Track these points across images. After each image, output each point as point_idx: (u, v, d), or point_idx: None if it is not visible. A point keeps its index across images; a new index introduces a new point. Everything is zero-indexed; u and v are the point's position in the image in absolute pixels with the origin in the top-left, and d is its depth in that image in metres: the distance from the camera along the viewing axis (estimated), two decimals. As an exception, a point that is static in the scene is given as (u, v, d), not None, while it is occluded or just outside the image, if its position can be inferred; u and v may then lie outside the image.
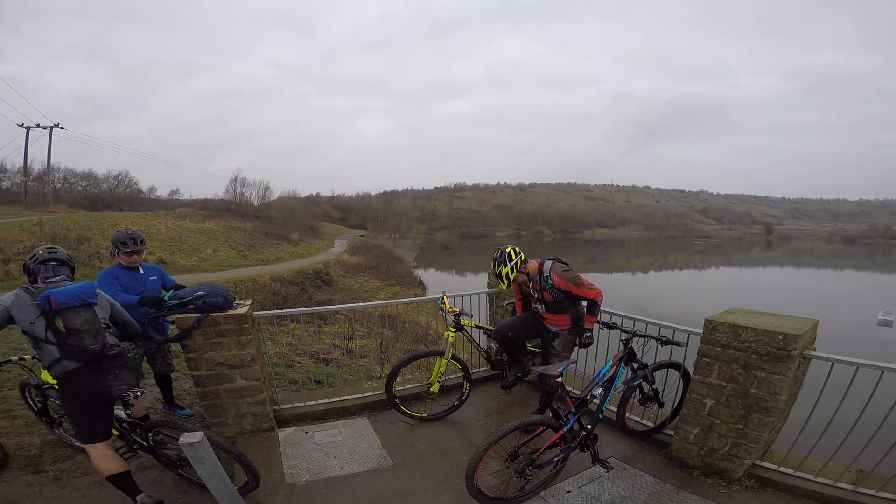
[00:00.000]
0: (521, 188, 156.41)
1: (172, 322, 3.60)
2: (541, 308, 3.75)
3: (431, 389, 4.07)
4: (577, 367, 4.16)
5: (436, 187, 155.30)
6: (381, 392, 4.19)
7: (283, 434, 3.81)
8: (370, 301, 7.93)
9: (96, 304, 2.56)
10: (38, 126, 33.15)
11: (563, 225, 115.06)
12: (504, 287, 3.63)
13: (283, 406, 4.11)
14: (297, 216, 51.63)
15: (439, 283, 30.16)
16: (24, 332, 2.48)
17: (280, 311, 4.26)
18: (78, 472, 3.20)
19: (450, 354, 3.97)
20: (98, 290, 2.66)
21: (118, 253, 3.61)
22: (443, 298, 4.17)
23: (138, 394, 2.66)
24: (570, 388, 2.97)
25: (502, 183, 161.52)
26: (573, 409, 2.90)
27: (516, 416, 3.80)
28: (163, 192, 56.15)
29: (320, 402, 4.22)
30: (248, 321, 3.60)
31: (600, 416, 3.11)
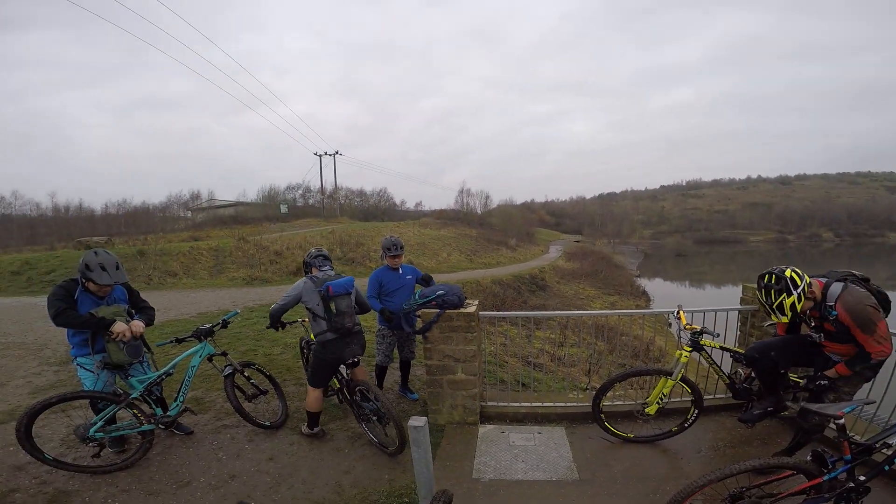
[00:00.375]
0: (784, 181, 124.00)
1: (419, 316, 4.24)
2: (818, 337, 3.04)
3: (647, 410, 3.74)
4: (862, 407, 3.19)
5: (662, 186, 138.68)
6: (586, 404, 4.12)
7: (483, 430, 4.02)
8: (584, 309, 7.75)
9: (352, 293, 3.71)
10: (325, 154, 43.93)
11: (854, 226, 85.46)
12: (785, 320, 2.91)
13: (488, 403, 4.33)
14: (514, 222, 54.23)
15: (668, 294, 26.98)
16: (307, 308, 3.67)
17: (500, 312, 4.50)
18: (334, 438, 3.94)
19: (679, 376, 3.58)
20: (353, 282, 3.80)
21: (385, 256, 4.49)
22: (678, 313, 3.71)
23: (357, 360, 3.76)
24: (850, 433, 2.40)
25: (755, 176, 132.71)
26: (848, 457, 2.31)
27: (754, 455, 3.29)
28: (410, 204, 67.66)
29: (523, 404, 4.30)
30: (475, 319, 3.99)
31: (887, 468, 2.35)
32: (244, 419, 3.98)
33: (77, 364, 3.45)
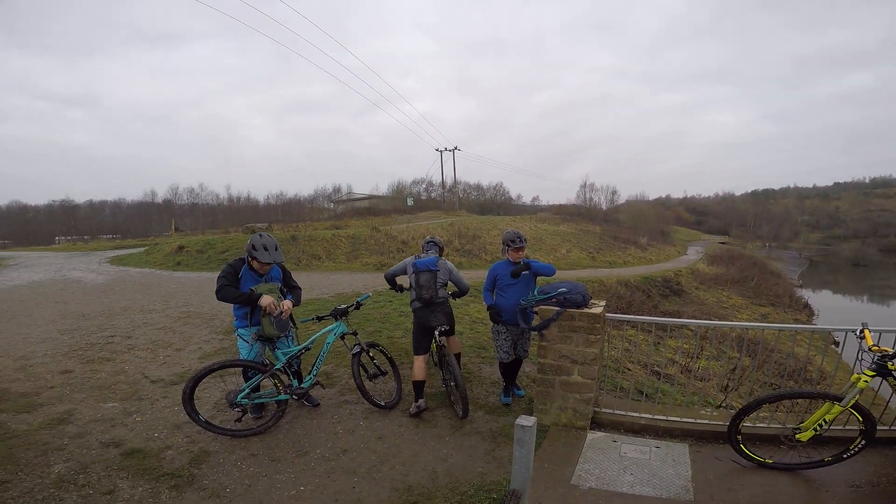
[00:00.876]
0: None
1: (536, 312, 4.12)
2: None
3: (798, 436, 3.23)
4: None
5: (836, 183, 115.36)
6: (719, 423, 3.70)
7: (592, 437, 3.84)
8: (727, 320, 6.91)
9: (437, 271, 4.41)
10: (445, 150, 45.18)
11: None
12: None
13: (603, 409, 4.12)
14: (645, 220, 49.97)
15: (838, 309, 22.60)
16: (409, 281, 4.48)
17: (629, 316, 4.21)
18: (437, 425, 4.06)
19: (852, 402, 3.05)
20: (440, 261, 4.50)
21: (507, 250, 4.41)
22: (862, 332, 3.19)
23: (444, 328, 4.31)
24: None
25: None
26: None
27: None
28: (527, 198, 66.77)
29: (643, 415, 4.03)
30: (600, 321, 3.79)
31: None
32: (363, 397, 4.29)
33: (237, 335, 4.04)
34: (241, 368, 4.07)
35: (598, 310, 3.83)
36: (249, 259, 3.90)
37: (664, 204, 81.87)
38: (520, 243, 4.39)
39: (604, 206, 58.27)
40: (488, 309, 4.52)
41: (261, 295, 3.79)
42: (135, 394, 4.67)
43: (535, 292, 4.13)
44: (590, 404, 3.91)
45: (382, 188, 58.94)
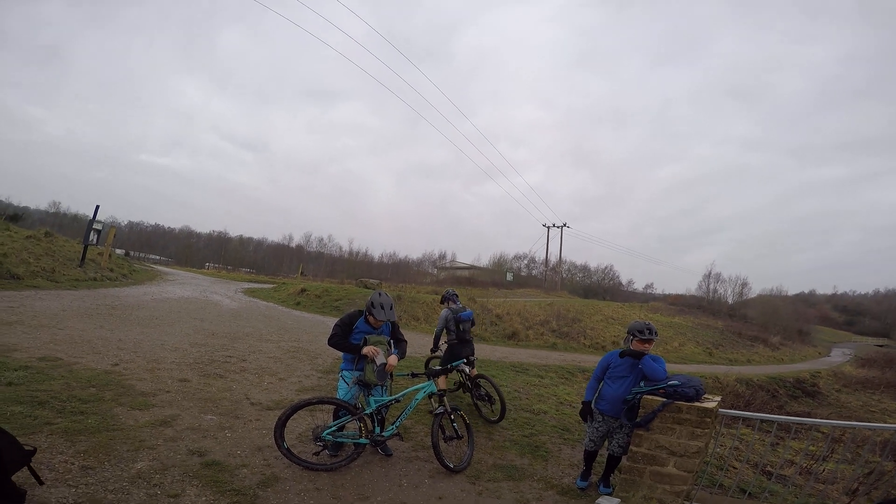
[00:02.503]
0: None
1: (642, 407, 3.94)
2: None
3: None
4: None
5: None
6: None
7: None
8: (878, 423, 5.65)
9: (471, 320, 6.22)
10: (553, 225, 44.64)
11: None
12: None
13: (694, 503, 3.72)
14: (780, 316, 43.36)
15: None
16: (446, 326, 6.17)
17: (748, 412, 4.00)
18: (501, 497, 3.93)
19: None
20: (472, 314, 6.36)
21: (632, 340, 4.20)
22: None
23: (473, 359, 6.03)
24: None
25: None
26: None
27: None
28: (639, 285, 61.95)
29: None
30: (711, 416, 3.63)
31: None
32: (436, 456, 4.25)
33: (340, 375, 4.43)
34: (334, 407, 4.32)
35: (711, 404, 3.66)
36: (367, 314, 4.32)
37: (806, 300, 69.60)
38: (648, 335, 4.18)
39: (730, 300, 51.56)
40: (582, 404, 4.43)
41: (366, 344, 4.17)
42: (233, 411, 5.07)
43: (642, 384, 4.00)
44: (680, 497, 3.59)
45: (484, 259, 59.89)
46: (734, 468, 5.47)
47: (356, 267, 54.01)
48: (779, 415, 6.41)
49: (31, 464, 2.58)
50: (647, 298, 51.48)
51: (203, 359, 7.15)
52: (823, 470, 6.20)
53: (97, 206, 16.59)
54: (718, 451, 5.46)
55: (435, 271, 60.74)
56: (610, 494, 4.23)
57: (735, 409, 9.17)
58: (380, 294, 4.33)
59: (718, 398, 4.04)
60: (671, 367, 16.24)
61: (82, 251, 15.86)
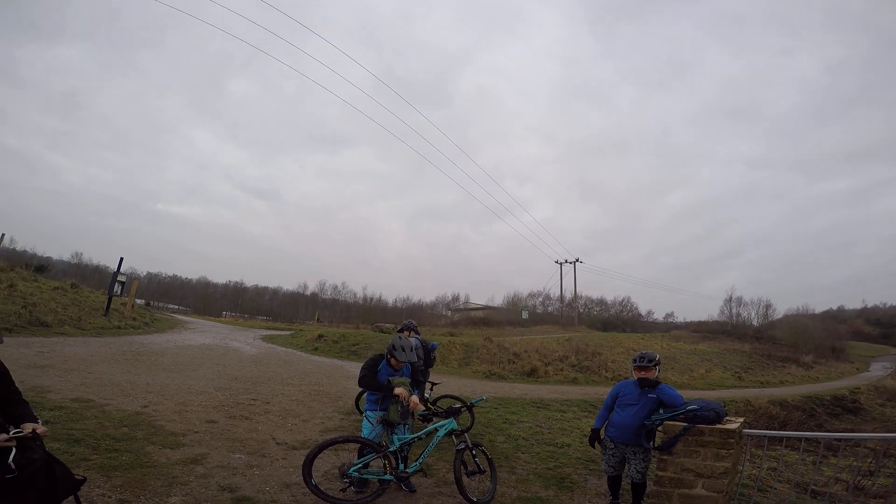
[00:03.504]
0: None
1: (661, 430, 4.04)
2: None
3: None
4: None
5: None
6: None
7: None
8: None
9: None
10: (566, 262, 44.01)
11: None
12: None
13: None
14: (810, 335, 41.66)
15: None
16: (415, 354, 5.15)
17: (776, 432, 4.03)
18: None
19: None
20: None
21: (632, 368, 4.50)
22: None
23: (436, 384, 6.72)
24: None
25: None
26: None
27: None
28: (659, 314, 60.05)
29: None
30: (735, 437, 3.67)
31: None
32: (459, 490, 4.25)
33: (365, 415, 4.58)
34: (359, 445, 4.44)
35: (733, 425, 3.72)
36: (389, 356, 4.60)
37: (836, 317, 66.37)
38: (642, 362, 4.41)
39: (755, 322, 49.78)
40: (591, 431, 4.61)
41: (395, 387, 4.36)
42: (260, 451, 5.12)
43: (661, 412, 4.08)
44: None
45: (498, 299, 59.26)
46: (773, 488, 5.33)
47: (371, 312, 54.01)
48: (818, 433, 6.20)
49: (78, 493, 2.68)
50: (668, 327, 50.12)
51: (228, 401, 7.23)
52: (874, 485, 5.93)
53: (121, 259, 17.28)
54: (754, 473, 5.32)
55: (449, 313, 60.33)
56: None
57: (770, 430, 8.90)
58: (400, 338, 4.63)
59: (741, 420, 4.09)
60: (697, 394, 15.81)
61: (107, 301, 16.33)
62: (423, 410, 4.93)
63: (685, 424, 3.83)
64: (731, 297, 51.89)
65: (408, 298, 62.99)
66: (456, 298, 64.10)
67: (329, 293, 64.28)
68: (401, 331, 7.09)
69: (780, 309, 53.74)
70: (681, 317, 57.68)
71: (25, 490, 1.99)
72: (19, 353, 8.64)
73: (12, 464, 1.94)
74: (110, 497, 3.50)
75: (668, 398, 4.16)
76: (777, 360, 29.13)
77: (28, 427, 2.13)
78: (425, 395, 6.75)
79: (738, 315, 50.25)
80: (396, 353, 4.53)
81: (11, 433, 2.03)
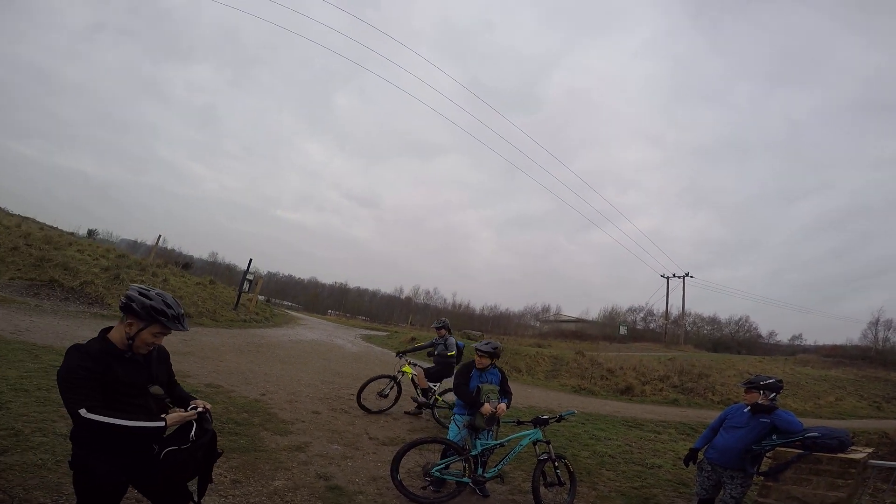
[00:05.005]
0: None
1: (770, 456, 3.84)
2: None
3: None
4: None
5: None
6: None
7: None
8: None
9: None
10: (673, 276, 40.68)
11: None
12: None
13: None
14: None
15: None
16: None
17: None
18: None
19: None
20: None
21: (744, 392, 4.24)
22: None
23: None
24: None
25: None
26: None
27: None
28: (783, 336, 52.15)
29: None
30: (857, 467, 3.41)
31: None
32: (535, 500, 4.29)
33: (453, 419, 4.87)
34: (443, 447, 4.71)
35: (859, 455, 3.42)
36: (475, 358, 4.89)
37: None
38: (747, 384, 4.14)
39: None
40: (690, 450, 4.38)
41: (483, 403, 4.57)
42: (355, 443, 5.65)
43: (775, 437, 3.78)
44: None
45: (593, 313, 56.35)
46: None
47: (459, 318, 54.91)
48: None
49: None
50: (794, 350, 43.37)
51: (331, 395, 8.00)
52: None
53: (250, 259, 19.76)
54: None
55: (537, 324, 58.94)
56: None
57: None
58: (486, 343, 4.95)
59: (870, 450, 3.78)
60: (822, 422, 13.66)
61: (237, 297, 18.84)
62: (511, 420, 5.09)
63: (800, 452, 3.58)
64: (878, 320, 43.22)
65: (495, 307, 62.88)
66: (546, 309, 62.33)
67: (422, 298, 66.65)
68: (438, 329, 7.93)
69: None
70: (810, 339, 49.49)
71: (196, 457, 2.39)
72: (167, 340, 10.43)
73: (193, 436, 2.35)
74: (226, 477, 4.10)
75: (784, 423, 3.82)
76: None
77: (199, 403, 2.51)
78: (435, 387, 7.52)
79: (887, 340, 41.80)
80: (480, 345, 4.89)
81: (190, 408, 2.43)
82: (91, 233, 27.68)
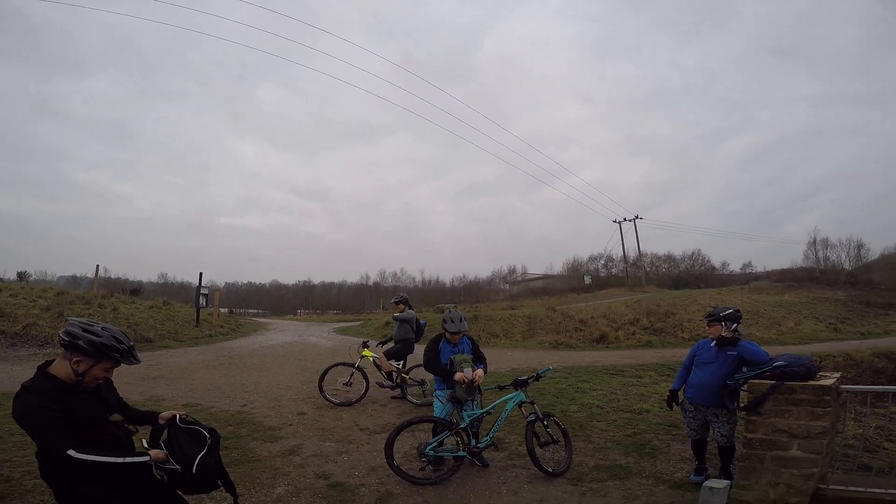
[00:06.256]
0: None
1: (746, 389, 3.82)
2: None
3: None
4: None
5: None
6: None
7: None
8: None
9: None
10: (625, 220, 41.98)
11: None
12: None
13: (831, 486, 3.48)
14: None
15: None
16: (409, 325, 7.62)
17: (881, 387, 3.87)
18: (607, 495, 3.92)
19: None
20: None
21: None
22: None
23: None
24: None
25: None
26: None
27: None
28: (735, 265, 55.59)
29: (890, 491, 3.41)
30: (830, 394, 3.47)
31: None
32: (532, 462, 4.37)
33: (435, 395, 4.80)
34: (432, 424, 4.70)
35: (828, 381, 3.48)
36: (444, 332, 4.77)
37: None
38: (708, 318, 4.26)
39: (847, 266, 44.99)
40: (669, 392, 4.52)
41: (455, 371, 4.51)
42: (347, 437, 5.57)
43: (745, 369, 3.90)
44: (811, 479, 3.39)
45: (556, 266, 57.74)
46: (885, 448, 4.93)
47: (430, 294, 55.13)
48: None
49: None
50: (747, 279, 46.38)
51: (313, 394, 7.81)
52: None
53: (200, 273, 18.77)
54: (860, 433, 4.91)
55: (507, 286, 60.16)
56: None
57: (875, 385, 8.10)
58: (450, 311, 4.89)
59: (837, 375, 3.83)
60: (787, 349, 14.76)
61: (196, 313, 17.99)
62: (491, 385, 5.07)
63: (773, 382, 3.61)
64: (815, 240, 46.73)
65: (464, 276, 63.48)
66: (512, 271, 63.58)
67: (390, 281, 66.27)
68: (396, 304, 7.95)
69: (875, 248, 47.68)
70: (760, 266, 53.11)
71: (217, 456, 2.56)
72: (133, 368, 9.77)
73: (207, 434, 2.53)
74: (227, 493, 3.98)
75: (751, 355, 3.97)
76: (878, 307, 26.10)
77: (167, 414, 2.54)
78: (399, 365, 7.52)
79: (827, 259, 45.42)
80: (447, 325, 4.70)
81: (162, 421, 2.53)
82: (22, 275, 25.40)
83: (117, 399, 2.61)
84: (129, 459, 2.22)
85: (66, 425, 2.14)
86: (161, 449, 2.38)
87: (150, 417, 2.60)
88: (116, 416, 2.46)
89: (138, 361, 2.43)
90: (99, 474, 2.19)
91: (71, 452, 2.08)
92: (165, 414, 2.55)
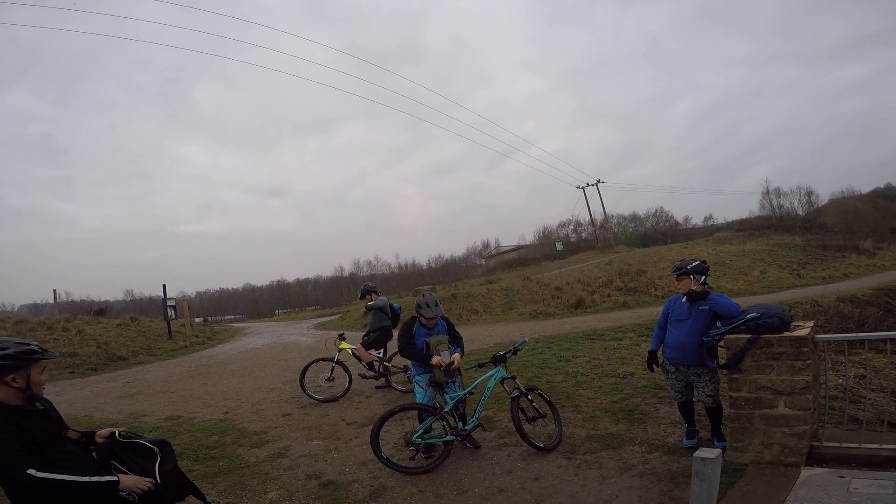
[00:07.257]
0: None
1: (723, 345, 3.77)
2: None
3: None
4: None
5: None
6: None
7: (808, 473, 3.30)
8: None
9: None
10: (588, 185, 43.00)
11: None
12: None
13: (825, 443, 3.49)
14: (863, 218, 39.43)
15: None
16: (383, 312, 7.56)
17: (855, 335, 3.68)
18: (602, 467, 4.00)
19: None
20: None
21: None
22: None
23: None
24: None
25: None
26: None
27: None
28: (697, 219, 57.82)
29: (884, 447, 3.32)
30: (808, 345, 3.38)
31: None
32: (522, 439, 4.36)
33: (415, 381, 4.70)
34: (417, 412, 4.61)
35: (803, 332, 3.38)
36: (418, 316, 4.59)
37: (885, 195, 62.66)
38: (674, 273, 4.19)
39: (800, 212, 47.51)
40: (648, 353, 4.46)
41: (432, 355, 4.40)
42: (334, 434, 5.51)
43: (719, 324, 3.80)
44: (804, 438, 3.37)
45: (528, 237, 58.42)
46: (868, 399, 4.94)
47: (408, 279, 54.98)
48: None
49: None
50: (710, 231, 48.35)
51: (296, 393, 7.69)
52: None
53: (164, 285, 18.08)
54: (840, 383, 4.94)
55: (483, 261, 60.57)
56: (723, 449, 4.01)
57: (844, 332, 8.36)
58: (423, 295, 4.62)
59: (811, 323, 3.72)
60: (757, 300, 15.27)
61: (167, 326, 17.41)
62: (471, 365, 5.02)
63: (748, 336, 3.51)
64: (768, 189, 49.30)
65: (440, 257, 63.53)
66: (486, 245, 63.97)
67: (365, 269, 65.62)
68: (362, 296, 7.99)
69: (824, 194, 50.65)
70: (720, 217, 55.38)
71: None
72: (109, 387, 9.47)
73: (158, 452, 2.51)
74: (218, 502, 3.91)
75: (722, 308, 3.86)
76: (834, 249, 27.37)
77: (106, 431, 2.50)
78: (378, 354, 7.47)
79: (781, 206, 47.83)
80: (422, 310, 4.51)
81: (100, 439, 2.47)
82: (-22, 308, 23.93)
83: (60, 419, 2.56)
84: (95, 479, 2.18)
85: (21, 447, 2.10)
86: (111, 471, 2.34)
87: (87, 436, 2.54)
88: (73, 433, 2.43)
89: (56, 355, 2.45)
90: (65, 496, 2.14)
91: (31, 472, 2.04)
92: (103, 432, 2.51)
